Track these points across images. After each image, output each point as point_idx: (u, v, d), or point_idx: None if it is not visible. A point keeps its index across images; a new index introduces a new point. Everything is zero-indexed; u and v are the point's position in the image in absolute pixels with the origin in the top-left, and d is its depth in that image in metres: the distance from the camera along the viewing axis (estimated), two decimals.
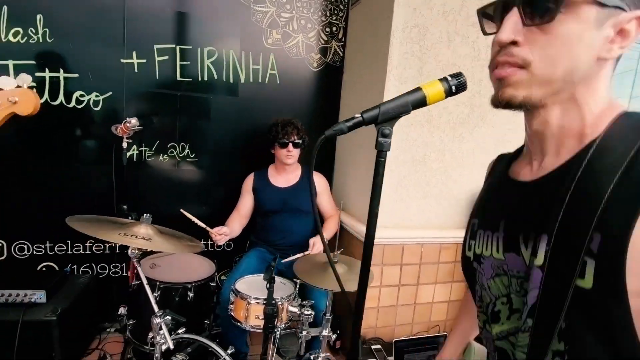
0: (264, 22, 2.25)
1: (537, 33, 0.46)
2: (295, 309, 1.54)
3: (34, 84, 1.87)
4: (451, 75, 0.55)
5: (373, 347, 2.03)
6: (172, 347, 1.26)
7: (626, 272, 0.40)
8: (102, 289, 2.17)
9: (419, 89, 0.55)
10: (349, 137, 2.27)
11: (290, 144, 1.93)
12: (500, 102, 0.50)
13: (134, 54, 2.05)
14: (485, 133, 2.12)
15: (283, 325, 1.53)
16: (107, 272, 2.22)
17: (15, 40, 1.86)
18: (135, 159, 2.14)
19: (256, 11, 2.23)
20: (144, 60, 2.07)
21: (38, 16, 1.87)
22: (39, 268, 2.09)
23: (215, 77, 2.21)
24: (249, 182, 2.06)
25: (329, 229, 2.07)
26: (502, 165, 0.65)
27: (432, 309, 2.25)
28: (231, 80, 2.25)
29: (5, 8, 1.82)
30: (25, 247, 2.06)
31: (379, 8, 2.00)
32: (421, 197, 2.10)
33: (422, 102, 0.55)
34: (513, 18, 0.47)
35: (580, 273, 0.43)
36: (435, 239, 2.14)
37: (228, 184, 2.31)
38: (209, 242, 2.31)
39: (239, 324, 1.51)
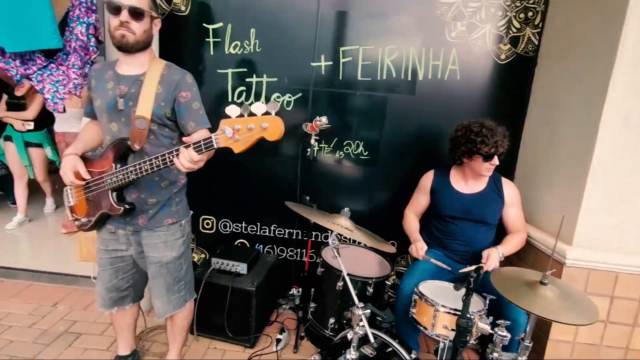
0: (449, 15, 2.13)
1: None
2: (487, 327, 1.40)
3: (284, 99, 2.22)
4: None
5: None
6: (372, 340, 1.29)
7: None
8: (281, 268, 2.44)
9: None
10: (548, 145, 1.96)
11: (496, 157, 1.72)
12: None
13: (322, 57, 2.21)
14: None
15: (473, 342, 1.41)
16: (284, 254, 2.49)
17: (234, 52, 2.23)
18: (315, 155, 2.32)
19: (441, 4, 2.12)
20: (331, 63, 2.21)
21: (252, 30, 2.19)
22: (235, 243, 2.49)
23: (394, 75, 2.21)
24: (427, 180, 1.97)
25: (511, 243, 1.81)
26: None
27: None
28: (409, 78, 2.21)
29: (229, 26, 2.20)
30: (228, 224, 2.48)
31: None
32: None
33: None
34: None
35: None
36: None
37: (398, 183, 2.29)
38: None
39: (423, 329, 1.46)
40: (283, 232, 2.45)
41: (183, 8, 2.20)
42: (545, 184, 1.99)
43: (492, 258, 1.68)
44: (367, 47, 2.19)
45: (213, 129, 1.24)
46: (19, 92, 3.30)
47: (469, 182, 1.87)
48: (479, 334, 1.43)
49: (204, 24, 2.21)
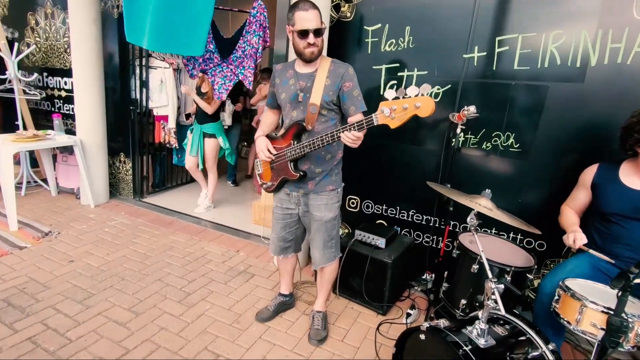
0: None
1: None
2: None
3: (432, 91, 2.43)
4: None
5: None
6: (503, 312, 1.34)
7: None
8: (415, 252, 2.57)
9: None
10: None
11: None
12: None
13: (476, 48, 2.23)
14: None
15: (627, 348, 1.28)
16: (420, 239, 2.61)
17: (389, 49, 2.47)
18: (460, 145, 2.35)
19: None
20: (484, 53, 2.21)
21: (407, 28, 2.39)
22: (376, 222, 2.74)
23: (558, 62, 2.05)
24: (589, 174, 1.79)
25: None
26: None
27: None
28: (577, 65, 2.01)
29: (387, 26, 2.45)
30: (370, 205, 2.76)
31: None
32: None
33: None
34: None
35: None
36: None
37: (554, 180, 2.13)
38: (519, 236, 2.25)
39: (566, 322, 1.40)
40: (421, 218, 2.58)
41: (348, 14, 2.56)
42: None
43: None
44: (527, 35, 2.10)
45: (368, 113, 1.51)
46: (203, 88, 3.52)
47: None
48: (639, 342, 1.28)
49: (365, 27, 2.52)
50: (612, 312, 1.22)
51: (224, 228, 3.44)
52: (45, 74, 4.37)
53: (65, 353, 1.81)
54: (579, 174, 1.88)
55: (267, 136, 1.91)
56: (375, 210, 2.75)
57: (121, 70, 3.79)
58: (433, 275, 2.47)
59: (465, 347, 1.30)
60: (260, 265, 2.82)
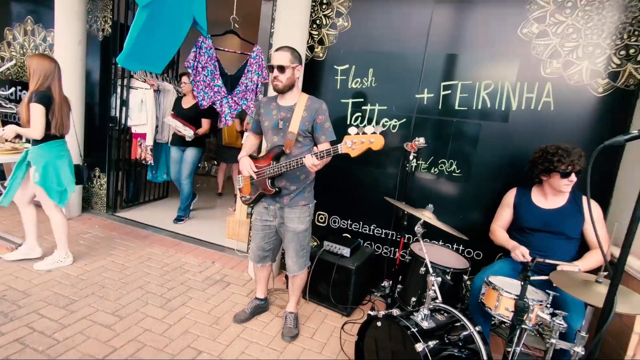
0: (545, 54, 2.41)
1: None
2: (546, 316, 1.66)
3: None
4: None
5: None
6: (440, 299, 1.71)
7: None
8: (375, 262, 2.93)
9: None
10: None
11: (573, 174, 1.98)
12: None
13: (425, 90, 2.71)
14: None
15: (530, 326, 1.68)
16: (380, 251, 2.98)
17: (355, 86, 2.90)
18: (412, 169, 2.79)
19: (537, 45, 2.42)
20: (432, 95, 2.70)
21: (370, 69, 2.84)
22: (342, 235, 3.08)
23: (488, 105, 2.57)
24: (510, 196, 2.27)
25: (590, 259, 1.96)
26: None
27: None
28: (503, 108, 2.53)
29: (353, 67, 2.88)
30: (337, 220, 3.11)
31: None
32: None
33: None
34: None
35: None
36: None
37: (486, 199, 2.59)
38: (460, 247, 2.68)
39: (488, 309, 1.79)
40: (380, 232, 2.96)
41: (321, 55, 2.98)
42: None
43: (566, 267, 1.89)
44: (465, 82, 2.61)
45: (337, 141, 1.87)
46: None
47: (549, 198, 2.11)
48: (539, 321, 1.69)
49: (335, 66, 2.94)
50: (518, 298, 1.62)
51: (199, 241, 3.63)
52: (19, 87, 4.41)
53: (54, 352, 1.94)
54: (502, 195, 2.36)
55: (250, 156, 2.23)
56: (341, 225, 3.10)
57: (102, 89, 3.96)
58: (391, 282, 2.82)
59: (412, 329, 1.65)
60: (236, 275, 3.04)
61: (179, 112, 4.01)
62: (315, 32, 2.97)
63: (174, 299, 2.58)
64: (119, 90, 3.94)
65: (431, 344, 1.60)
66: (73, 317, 2.25)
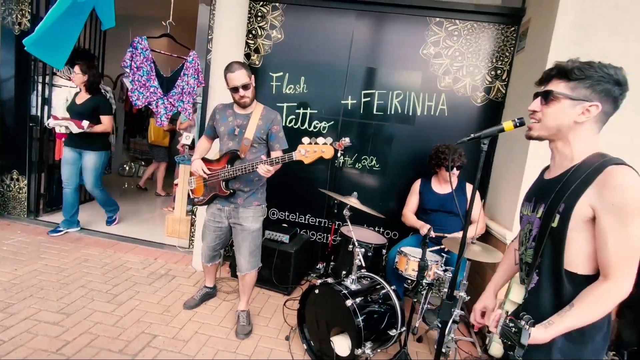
0: (440, 71, 3.04)
1: (544, 107, 1.09)
2: (440, 272, 2.21)
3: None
4: (518, 119, 1.20)
5: None
6: (363, 264, 2.16)
7: (570, 220, 1.00)
8: (311, 247, 3.33)
9: (501, 125, 1.23)
10: (505, 160, 2.76)
11: (455, 168, 2.58)
12: (529, 137, 1.14)
13: (349, 97, 3.18)
14: None
15: (429, 280, 2.22)
16: (315, 237, 3.39)
17: (289, 92, 3.25)
18: (341, 165, 3.24)
19: (434, 63, 3.04)
20: (355, 101, 3.18)
21: (302, 77, 3.22)
22: (282, 225, 3.42)
23: (400, 111, 3.12)
24: (416, 185, 2.84)
25: (470, 230, 2.59)
26: (542, 171, 1.25)
27: None
28: (410, 113, 3.11)
29: (287, 74, 3.24)
30: (276, 212, 3.44)
31: (536, 56, 2.49)
32: None
33: (501, 130, 1.23)
34: (536, 100, 1.11)
35: (552, 220, 1.04)
36: None
37: (400, 188, 3.15)
38: (381, 229, 3.21)
39: (400, 272, 2.29)
40: (315, 221, 3.37)
41: (257, 62, 3.27)
42: (502, 192, 2.78)
43: (453, 235, 2.48)
44: (381, 91, 3.14)
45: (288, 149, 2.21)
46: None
47: (443, 185, 2.71)
48: (437, 277, 2.24)
49: (270, 73, 3.26)
50: (420, 259, 2.14)
51: (138, 240, 3.66)
52: None
53: (2, 351, 1.96)
54: (412, 183, 2.92)
55: (204, 159, 2.37)
56: (279, 216, 3.44)
57: (19, 86, 3.73)
58: (325, 263, 3.24)
59: (344, 291, 2.06)
60: (180, 269, 3.19)
61: (71, 108, 3.51)
62: (252, 42, 3.26)
63: (120, 294, 2.67)
64: (39, 87, 3.75)
65: (358, 300, 2.03)
66: (14, 318, 2.24)
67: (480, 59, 2.98)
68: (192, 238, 3.50)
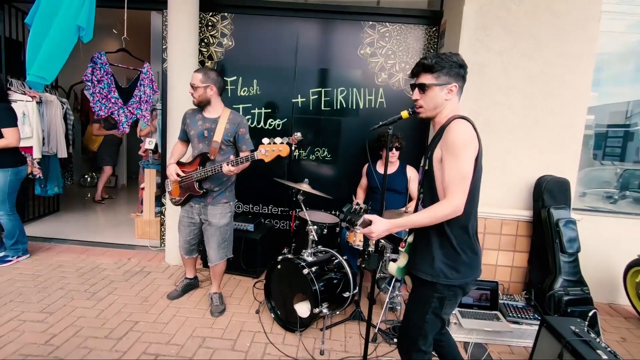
0: (376, 68, 3.45)
1: (423, 96, 1.49)
2: (383, 242, 2.62)
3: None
4: (411, 107, 1.60)
5: None
6: (317, 239, 2.53)
7: (433, 161, 1.42)
8: (275, 234, 3.65)
9: (400, 114, 1.62)
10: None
11: (394, 149, 3.01)
12: (421, 118, 1.54)
13: (299, 95, 3.52)
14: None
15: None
16: (278, 225, 3.72)
17: (243, 94, 3.54)
18: (296, 158, 3.58)
19: (370, 62, 3.44)
20: (304, 99, 3.52)
21: (254, 80, 3.52)
22: (247, 216, 3.71)
23: (344, 105, 3.51)
24: (365, 168, 3.23)
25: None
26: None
27: (497, 270, 2.96)
28: (354, 107, 3.50)
29: (240, 78, 3.52)
30: (240, 205, 3.73)
31: (452, 50, 2.94)
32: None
33: (400, 118, 1.62)
34: (416, 90, 1.51)
35: (425, 164, 1.46)
36: (497, 215, 2.88)
37: (350, 173, 3.54)
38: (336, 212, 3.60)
39: (350, 244, 2.68)
40: (277, 210, 3.70)
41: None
42: None
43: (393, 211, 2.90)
44: (327, 89, 3.50)
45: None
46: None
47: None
48: (381, 244, 2.64)
49: (225, 77, 3.53)
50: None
51: (108, 244, 3.82)
52: None
53: None
54: (361, 169, 3.32)
55: (178, 163, 2.59)
56: (244, 209, 3.73)
57: None
58: (289, 248, 3.58)
59: (302, 263, 2.41)
60: (154, 265, 3.42)
61: None
62: (205, 49, 3.51)
63: (99, 291, 2.87)
64: None
65: (314, 269, 2.39)
66: None
67: (410, 56, 3.42)
68: (163, 237, 3.71)
